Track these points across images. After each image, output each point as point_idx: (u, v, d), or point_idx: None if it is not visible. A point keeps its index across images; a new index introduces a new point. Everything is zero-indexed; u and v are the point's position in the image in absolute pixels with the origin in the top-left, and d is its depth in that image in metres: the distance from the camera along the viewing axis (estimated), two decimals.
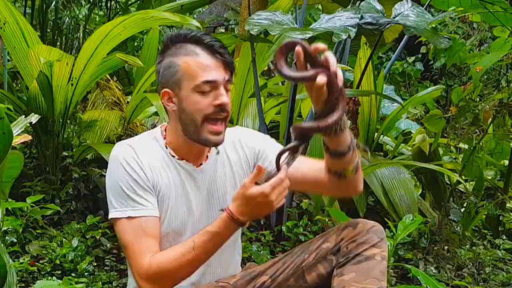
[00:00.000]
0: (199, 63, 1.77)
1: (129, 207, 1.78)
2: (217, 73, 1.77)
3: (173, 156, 1.85)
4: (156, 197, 1.81)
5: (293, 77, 1.70)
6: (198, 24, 3.02)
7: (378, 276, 1.78)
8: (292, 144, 1.65)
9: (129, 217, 1.77)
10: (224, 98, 1.77)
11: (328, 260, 1.86)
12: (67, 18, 5.25)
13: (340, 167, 1.79)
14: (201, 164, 1.88)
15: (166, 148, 1.86)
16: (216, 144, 1.81)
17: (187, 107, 1.79)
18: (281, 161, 1.66)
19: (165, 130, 1.88)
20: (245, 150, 1.94)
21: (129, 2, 6.96)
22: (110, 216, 1.81)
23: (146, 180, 1.80)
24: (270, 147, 1.94)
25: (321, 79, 1.61)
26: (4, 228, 2.71)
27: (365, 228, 1.84)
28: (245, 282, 1.91)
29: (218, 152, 1.90)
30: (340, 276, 1.80)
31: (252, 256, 2.91)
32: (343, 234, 1.85)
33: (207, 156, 1.89)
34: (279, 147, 1.89)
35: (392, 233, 3.06)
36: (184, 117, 1.80)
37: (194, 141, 1.81)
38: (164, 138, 1.87)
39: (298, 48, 1.61)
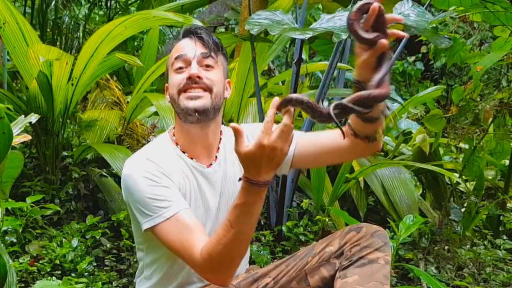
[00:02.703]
0: (176, 47, 1.88)
1: (163, 210, 1.74)
2: (189, 49, 1.84)
3: (184, 153, 1.87)
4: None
5: (369, 39, 1.57)
6: (200, 24, 3.01)
7: (381, 279, 1.77)
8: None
9: (167, 218, 1.74)
10: (192, 70, 1.81)
11: (331, 264, 1.86)
12: (67, 18, 5.24)
13: (371, 130, 1.75)
14: (211, 165, 1.89)
15: (177, 145, 1.88)
16: (196, 110, 1.80)
17: (170, 89, 1.87)
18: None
19: (174, 128, 1.93)
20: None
21: (129, 2, 6.97)
22: (147, 226, 1.76)
23: (171, 182, 1.79)
24: None
25: (385, 42, 1.56)
26: (4, 228, 2.71)
27: (369, 232, 1.83)
28: (248, 283, 1.91)
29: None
30: (343, 278, 1.80)
31: (252, 256, 2.91)
32: (346, 238, 1.84)
33: (216, 157, 1.91)
34: None
35: (392, 233, 3.06)
36: (171, 100, 1.87)
37: (182, 120, 1.84)
38: (174, 135, 1.90)
39: (375, 5, 1.53)
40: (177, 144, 1.88)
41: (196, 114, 1.80)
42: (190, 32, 1.87)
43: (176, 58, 1.85)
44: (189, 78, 1.81)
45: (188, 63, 1.83)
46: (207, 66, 1.84)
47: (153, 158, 1.80)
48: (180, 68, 1.84)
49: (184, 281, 1.89)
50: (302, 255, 1.92)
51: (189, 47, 1.85)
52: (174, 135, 1.90)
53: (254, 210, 1.62)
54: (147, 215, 1.75)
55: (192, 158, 1.87)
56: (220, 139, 1.94)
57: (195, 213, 1.82)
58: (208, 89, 1.82)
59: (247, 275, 1.94)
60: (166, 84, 1.90)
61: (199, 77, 1.81)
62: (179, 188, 1.81)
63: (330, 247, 1.86)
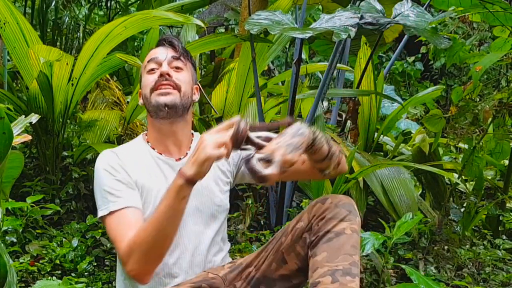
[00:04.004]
0: (150, 53, 2.05)
1: (110, 203, 1.87)
2: (160, 53, 2.01)
3: (153, 149, 1.99)
4: (138, 192, 1.91)
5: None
6: (200, 23, 3.01)
7: (349, 251, 1.79)
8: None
9: (111, 212, 1.86)
10: (163, 68, 1.96)
11: (303, 239, 1.88)
12: (67, 18, 5.24)
13: (322, 166, 1.88)
14: (180, 159, 1.99)
15: (148, 143, 2.01)
16: (166, 105, 1.92)
17: (142, 90, 2.01)
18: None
19: (147, 130, 2.07)
20: None
21: (129, 2, 6.97)
22: (98, 216, 1.90)
23: (128, 177, 1.90)
24: None
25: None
26: (4, 228, 2.71)
27: (333, 202, 1.85)
28: (234, 276, 1.97)
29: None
30: (314, 257, 1.82)
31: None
32: (314, 211, 1.87)
33: (186, 153, 2.01)
34: None
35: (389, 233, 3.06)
36: (143, 100, 2.00)
37: (153, 116, 1.96)
38: (146, 135, 2.04)
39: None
40: (148, 142, 2.02)
41: (166, 109, 1.93)
42: (163, 40, 2.05)
43: (149, 61, 2.01)
44: (160, 75, 1.95)
45: (159, 65, 1.98)
46: (177, 68, 2.00)
47: (117, 151, 1.96)
48: (152, 69, 1.99)
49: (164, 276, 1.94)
50: (278, 236, 1.97)
51: (161, 52, 2.02)
52: (146, 135, 2.05)
53: (172, 203, 1.71)
54: (98, 205, 1.89)
55: (161, 154, 1.99)
56: (192, 140, 2.06)
57: None
58: (177, 87, 1.95)
59: (233, 266, 2.00)
60: (140, 90, 2.04)
61: (168, 74, 1.95)
62: (142, 183, 1.91)
63: (301, 223, 1.90)
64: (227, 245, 2.11)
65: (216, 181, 2.03)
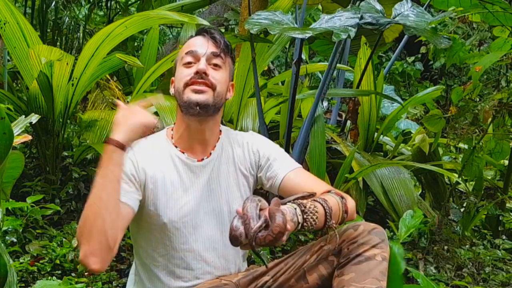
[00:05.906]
0: (188, 43, 1.95)
1: None
2: (200, 46, 1.91)
3: (176, 147, 1.92)
4: (140, 188, 1.85)
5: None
6: (206, 23, 3.01)
7: (378, 276, 1.79)
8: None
9: None
10: (200, 65, 1.87)
11: (329, 261, 1.87)
12: (67, 18, 5.24)
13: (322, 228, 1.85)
14: (202, 159, 1.93)
15: (172, 139, 1.94)
16: (198, 104, 1.85)
17: (176, 82, 1.93)
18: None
19: (174, 124, 2.00)
20: (252, 153, 2.00)
21: (129, 2, 6.97)
22: None
23: (133, 171, 1.85)
24: (279, 157, 2.01)
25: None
26: (4, 228, 2.72)
27: (366, 229, 1.85)
28: (247, 281, 1.93)
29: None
30: (341, 276, 1.82)
31: (252, 256, 2.91)
32: (344, 236, 1.86)
33: (210, 153, 1.95)
34: (287, 158, 2.00)
35: (392, 233, 3.06)
36: (175, 92, 1.93)
37: (184, 112, 1.89)
38: (172, 130, 1.97)
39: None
40: (172, 138, 1.95)
41: (198, 108, 1.86)
42: (204, 31, 1.95)
43: (186, 53, 1.92)
44: (197, 72, 1.87)
45: (197, 59, 1.90)
46: (215, 65, 1.91)
47: (135, 145, 1.88)
48: (189, 63, 1.90)
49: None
50: (300, 253, 1.95)
51: (201, 45, 1.92)
52: (172, 130, 1.98)
53: (105, 172, 1.68)
54: None
55: (183, 152, 1.92)
56: (219, 138, 1.99)
57: (174, 204, 1.88)
58: (212, 87, 1.88)
59: (247, 273, 1.96)
60: (172, 78, 1.97)
61: (205, 73, 1.87)
62: (155, 180, 1.87)
63: (328, 245, 1.88)
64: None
65: (238, 186, 1.98)
